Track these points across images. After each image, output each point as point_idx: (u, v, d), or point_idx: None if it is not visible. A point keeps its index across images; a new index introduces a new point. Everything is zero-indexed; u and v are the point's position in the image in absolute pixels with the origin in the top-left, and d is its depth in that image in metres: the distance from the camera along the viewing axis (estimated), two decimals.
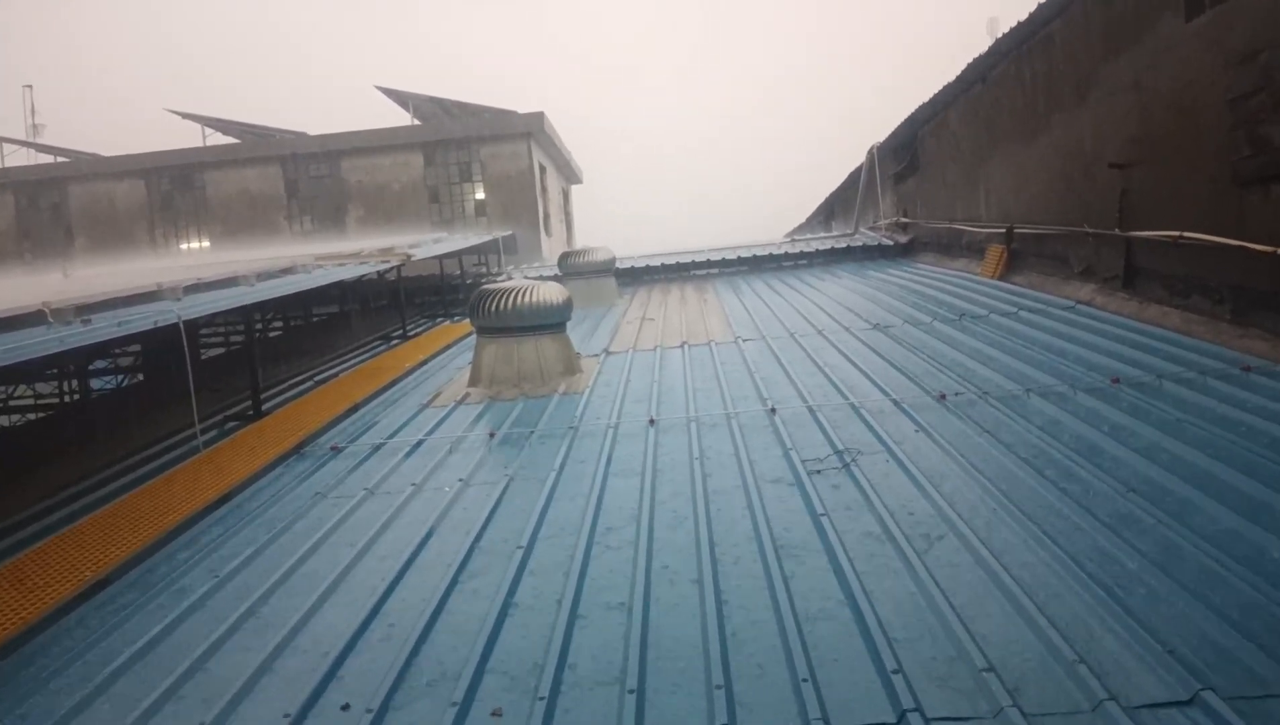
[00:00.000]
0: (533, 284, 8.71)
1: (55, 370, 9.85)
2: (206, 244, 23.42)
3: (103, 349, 9.22)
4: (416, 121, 24.55)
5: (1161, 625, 3.15)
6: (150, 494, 5.94)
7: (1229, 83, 7.02)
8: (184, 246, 23.65)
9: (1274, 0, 6.54)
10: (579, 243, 27.07)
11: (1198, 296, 7.79)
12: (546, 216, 24.05)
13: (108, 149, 25.74)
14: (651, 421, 6.67)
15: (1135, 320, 8.19)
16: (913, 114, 15.69)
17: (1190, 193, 7.76)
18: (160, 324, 6.39)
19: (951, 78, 13.26)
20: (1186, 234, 7.70)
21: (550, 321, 8.68)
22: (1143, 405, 5.72)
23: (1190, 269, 7.85)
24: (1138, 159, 8.60)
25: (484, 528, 4.84)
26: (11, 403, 10.82)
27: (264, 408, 8.44)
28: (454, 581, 4.16)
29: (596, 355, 9.62)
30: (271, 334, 13.16)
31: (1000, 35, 11.35)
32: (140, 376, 10.67)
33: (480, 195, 22.77)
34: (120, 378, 11.03)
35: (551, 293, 8.68)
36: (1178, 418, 5.36)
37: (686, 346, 9.61)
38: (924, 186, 16.32)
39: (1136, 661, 2.95)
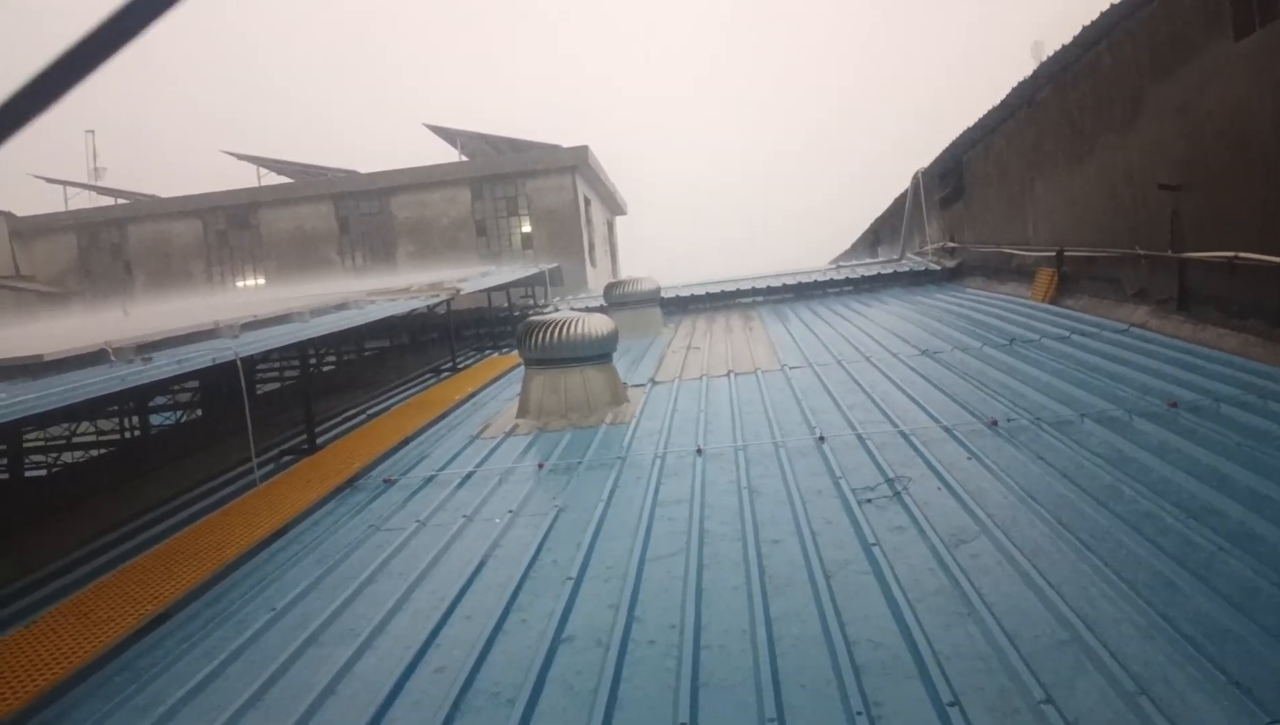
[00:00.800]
0: (579, 315, 8.79)
1: (116, 407, 10.12)
2: (261, 281, 23.96)
3: (162, 386, 9.46)
4: (464, 158, 24.97)
5: (1226, 657, 3.08)
6: (208, 528, 6.07)
7: (1279, 104, 6.91)
8: (239, 283, 24.22)
9: None
10: (624, 273, 27.24)
11: (1254, 318, 7.63)
12: (591, 248, 24.25)
13: (166, 190, 26.54)
14: (699, 451, 6.67)
15: (1191, 343, 8.04)
16: (958, 138, 15.61)
17: (1242, 214, 7.62)
18: (218, 361, 6.55)
19: (996, 102, 13.19)
20: (1241, 255, 7.56)
21: (596, 352, 8.74)
22: (1201, 429, 5.60)
23: (1246, 291, 7.69)
24: (1188, 181, 8.48)
25: (534, 559, 4.87)
26: (75, 439, 11.12)
27: (318, 441, 8.59)
28: (504, 615, 4.19)
29: (642, 385, 9.65)
30: (325, 368, 13.40)
31: (1045, 59, 11.28)
32: (199, 412, 10.91)
33: (526, 228, 23.05)
34: (179, 413, 11.30)
35: (597, 324, 8.75)
36: (1238, 442, 5.24)
37: (733, 375, 9.60)
38: (970, 210, 16.19)
39: (1202, 695, 2.88)
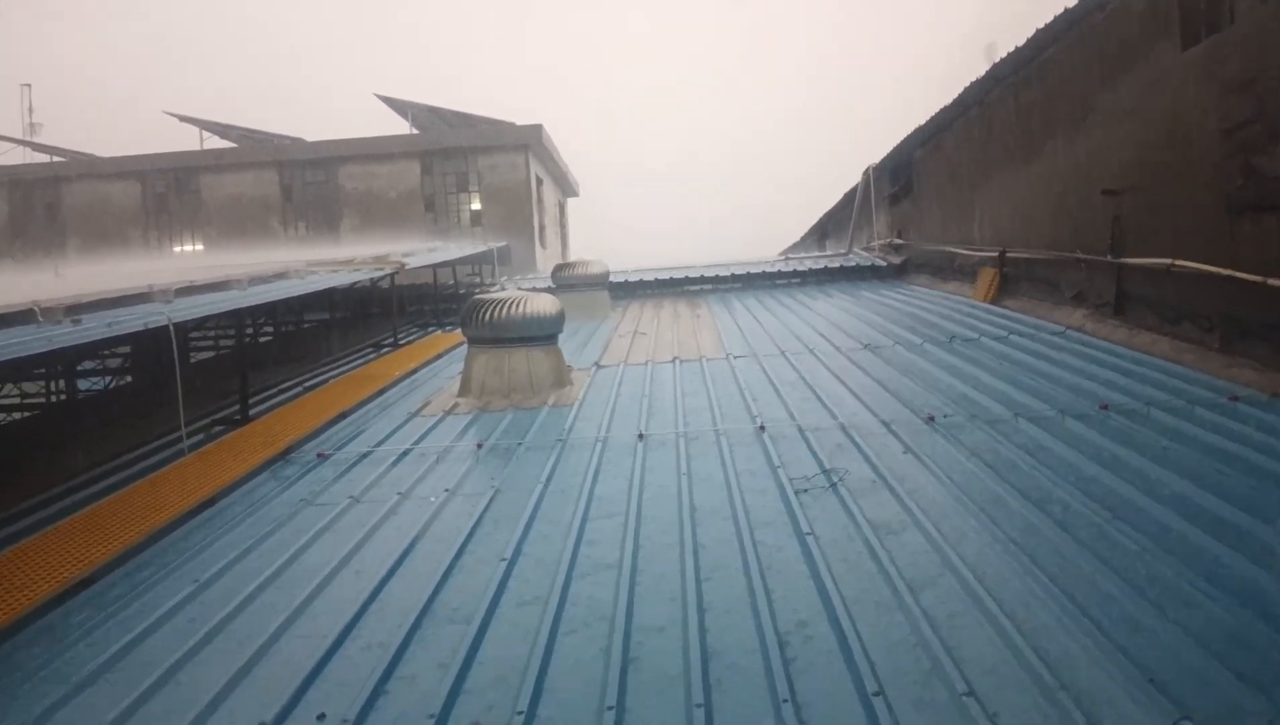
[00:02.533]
0: (526, 295, 8.71)
1: (43, 370, 9.80)
2: (200, 247, 23.39)
3: (92, 349, 9.19)
4: (415, 130, 24.61)
5: (1142, 653, 3.15)
6: (135, 496, 5.90)
7: (1224, 112, 7.08)
8: (177, 249, 23.61)
9: (1268, 31, 6.60)
10: (574, 255, 27.11)
11: (1188, 324, 7.83)
12: (542, 228, 24.08)
13: (104, 150, 25.77)
14: (640, 436, 6.66)
15: (1125, 347, 8.23)
16: (909, 136, 15.77)
17: (1182, 221, 7.81)
18: (150, 326, 6.38)
19: (949, 101, 13.33)
20: (1178, 262, 7.75)
21: (542, 333, 8.68)
22: (1130, 432, 5.74)
23: (1181, 297, 7.89)
24: (1131, 186, 8.66)
25: (468, 539, 4.82)
26: None
27: (251, 413, 8.41)
28: (435, 594, 4.14)
29: (587, 368, 9.61)
30: (262, 339, 13.12)
31: (997, 60, 11.42)
32: (128, 378, 10.62)
33: (476, 205, 22.80)
34: (108, 379, 10.98)
35: (544, 304, 8.68)
36: (1164, 445, 5.38)
37: (678, 362, 9.61)
38: (918, 208, 16.38)
39: (1118, 689, 2.94)
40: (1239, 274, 6.91)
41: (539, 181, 24.06)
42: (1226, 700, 2.86)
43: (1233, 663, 3.04)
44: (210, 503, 5.84)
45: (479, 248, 18.94)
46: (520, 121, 22.96)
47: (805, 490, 5.18)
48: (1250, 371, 6.80)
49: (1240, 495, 4.51)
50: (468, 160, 22.71)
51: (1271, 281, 6.55)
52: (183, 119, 25.68)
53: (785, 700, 3.03)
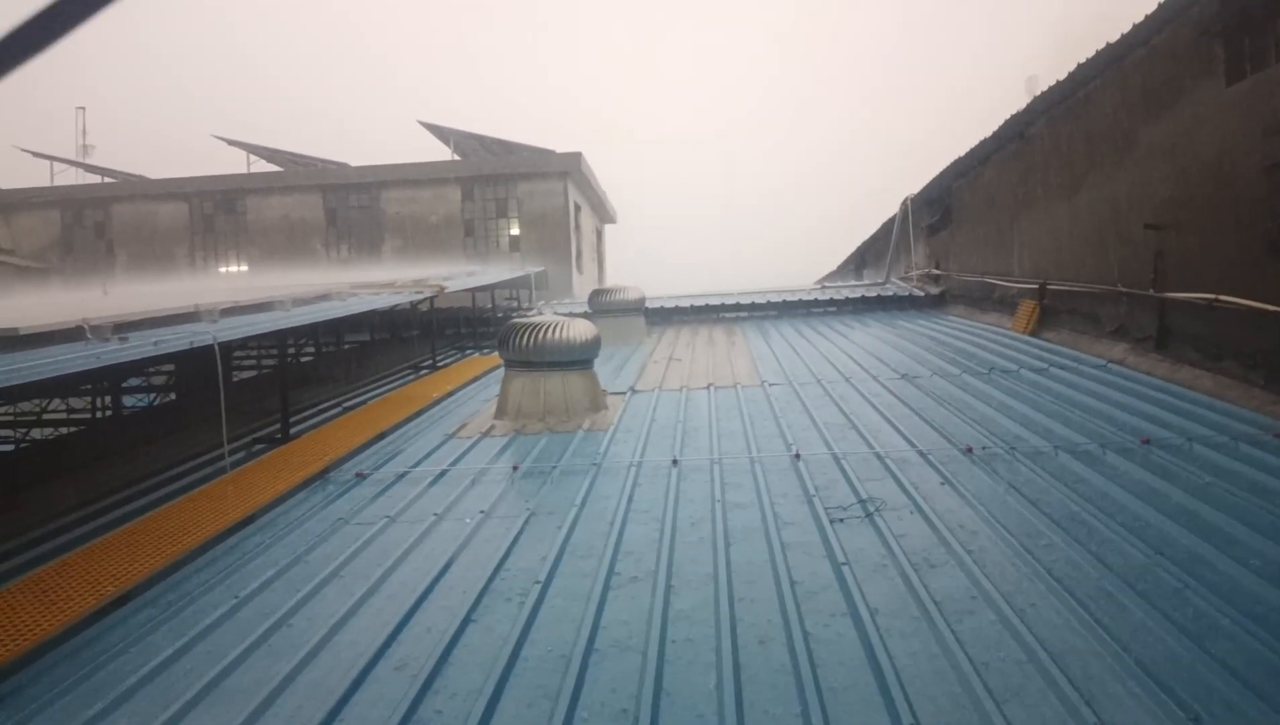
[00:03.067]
0: (562, 320, 8.77)
1: (89, 386, 10.01)
2: (244, 267, 23.80)
3: (138, 367, 9.38)
4: (456, 156, 24.92)
5: (1186, 692, 3.09)
6: (176, 512, 6.00)
7: (1267, 150, 7.00)
8: (222, 269, 24.05)
9: None
10: (610, 281, 27.23)
11: (1231, 360, 7.71)
12: (579, 254, 24.24)
13: (154, 171, 26.35)
14: (675, 462, 6.66)
15: (1167, 381, 8.11)
16: (948, 167, 15.72)
17: (1225, 257, 7.71)
18: (196, 345, 6.50)
19: (988, 133, 13.29)
20: (1222, 297, 7.65)
21: (578, 358, 8.73)
22: (1172, 467, 5.65)
23: (1224, 333, 7.77)
24: (1174, 222, 8.57)
25: (503, 561, 4.84)
26: (45, 416, 10.99)
27: (292, 432, 8.52)
28: (469, 615, 4.16)
29: (622, 393, 9.64)
30: (303, 359, 13.31)
31: (1039, 93, 11.38)
32: (172, 395, 10.81)
33: (515, 231, 23.01)
34: (153, 396, 11.19)
35: (581, 329, 8.74)
36: (1207, 481, 5.29)
37: (713, 388, 9.60)
38: (957, 239, 16.29)
39: None
40: None
41: (577, 208, 24.25)
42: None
43: (1274, 699, 2.98)
44: (250, 520, 5.92)
45: (517, 273, 19.11)
46: (560, 149, 23.20)
47: (841, 520, 5.15)
48: None
49: None
50: (508, 186, 22.96)
51: None
52: (230, 142, 26.23)
53: None
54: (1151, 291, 8.92)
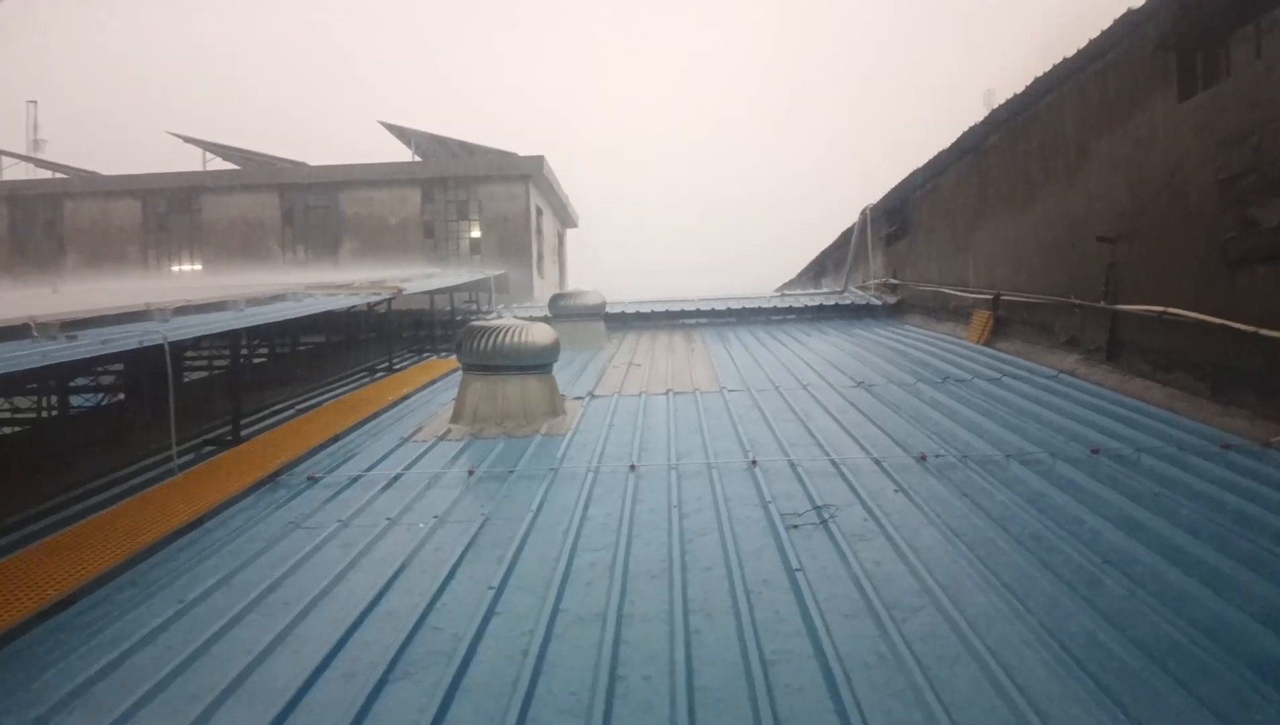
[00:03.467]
0: (522, 324, 8.73)
1: (35, 385, 9.78)
2: (199, 267, 23.43)
3: (86, 366, 9.18)
4: (417, 157, 24.75)
5: (1133, 702, 3.14)
6: (122, 515, 5.87)
7: (1220, 163, 7.15)
8: (176, 268, 23.65)
9: (1264, 85, 6.69)
10: (571, 285, 27.19)
11: (1180, 372, 7.86)
12: (540, 258, 24.17)
13: (107, 168, 25.86)
14: (632, 467, 6.65)
15: (1117, 392, 8.25)
16: (906, 178, 15.90)
17: (1177, 269, 7.86)
18: (145, 344, 6.37)
19: (947, 145, 13.46)
20: (1171, 310, 7.80)
21: (537, 362, 8.69)
22: (1121, 477, 5.74)
23: (1174, 345, 7.93)
24: (1126, 234, 8.73)
25: (456, 566, 4.80)
26: None
27: (243, 434, 8.38)
28: (421, 621, 4.11)
29: (581, 398, 9.61)
30: (256, 360, 13.12)
31: (996, 106, 11.54)
32: (121, 396, 10.60)
33: (476, 233, 22.89)
34: (101, 396, 10.96)
35: (540, 334, 8.70)
36: (1155, 492, 5.39)
37: (671, 394, 9.61)
38: (914, 249, 16.48)
39: None
40: (1232, 323, 6.95)
41: (539, 212, 24.19)
42: None
43: (1219, 708, 3.03)
44: (198, 523, 5.81)
45: (477, 275, 18.99)
46: (522, 152, 23.15)
47: (796, 526, 5.17)
48: (1242, 420, 6.82)
49: (1228, 543, 4.52)
50: (469, 189, 22.84)
51: (1265, 332, 6.59)
52: (186, 140, 25.85)
53: None
54: (1103, 303, 9.08)
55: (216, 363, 12.06)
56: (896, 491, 5.78)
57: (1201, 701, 3.09)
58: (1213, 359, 7.37)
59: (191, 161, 25.79)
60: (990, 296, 12.16)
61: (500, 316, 13.92)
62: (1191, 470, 5.80)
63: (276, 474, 6.90)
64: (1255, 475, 5.60)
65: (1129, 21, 8.26)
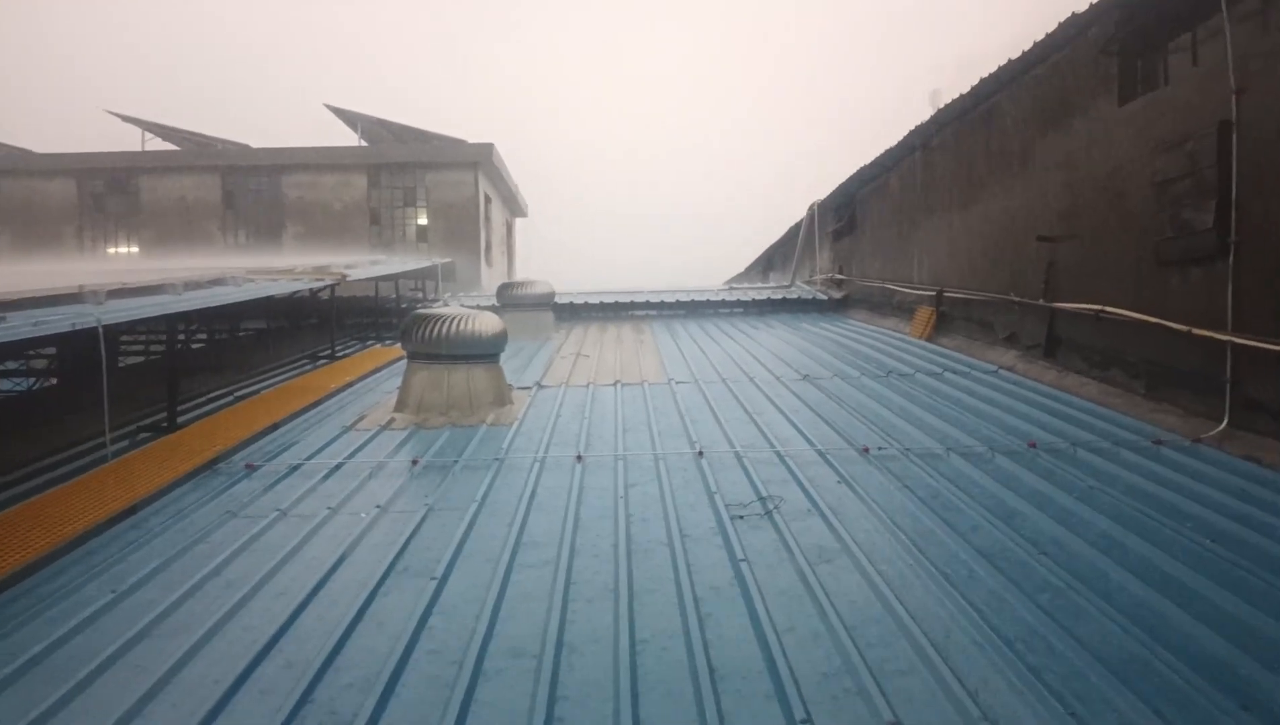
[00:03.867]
0: (469, 312, 8.65)
1: None
2: (136, 250, 22.82)
3: (16, 349, 8.90)
4: (363, 142, 24.38)
5: (1065, 688, 3.20)
6: (52, 502, 5.70)
7: (1156, 167, 7.33)
8: (112, 250, 23.01)
9: (1199, 93, 6.86)
10: (519, 275, 27.04)
11: (1115, 369, 8.05)
12: (488, 247, 23.98)
13: (40, 146, 25.08)
14: (579, 458, 6.63)
15: (1054, 388, 8.43)
16: (854, 175, 16.06)
17: (1113, 269, 8.04)
18: (78, 327, 6.18)
19: (893, 143, 13.62)
20: (1108, 308, 7.98)
21: (484, 351, 8.61)
22: (1057, 470, 5.87)
23: (1110, 342, 8.12)
24: (1066, 234, 8.91)
25: (398, 557, 4.74)
26: None
27: (180, 421, 8.19)
28: (361, 613, 4.05)
29: (528, 388, 9.56)
30: (194, 346, 12.82)
31: (942, 106, 11.70)
32: (53, 380, 10.30)
33: (423, 221, 22.62)
34: (32, 380, 10.63)
35: (487, 323, 8.62)
36: (1089, 485, 5.51)
37: (620, 385, 9.60)
38: (860, 245, 16.66)
39: (1037, 721, 2.99)
40: (1167, 322, 7.14)
41: (487, 200, 23.98)
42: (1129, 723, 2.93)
43: (1147, 697, 3.11)
44: (131, 511, 5.66)
45: (423, 263, 18.77)
46: (472, 140, 22.91)
47: (741, 517, 5.19)
48: (1174, 417, 7.01)
49: (1159, 534, 4.65)
50: (416, 175, 22.56)
51: (1197, 331, 6.77)
52: (125, 119, 25.14)
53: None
54: (1042, 301, 9.26)
55: (153, 348, 11.77)
56: (840, 483, 5.84)
57: (1132, 690, 3.16)
58: (1147, 357, 7.56)
59: (130, 141, 25.06)
60: (933, 293, 12.34)
61: (447, 305, 13.79)
62: (1125, 464, 5.95)
63: (214, 462, 6.75)
64: (1186, 470, 5.77)
65: (1074, 25, 8.42)
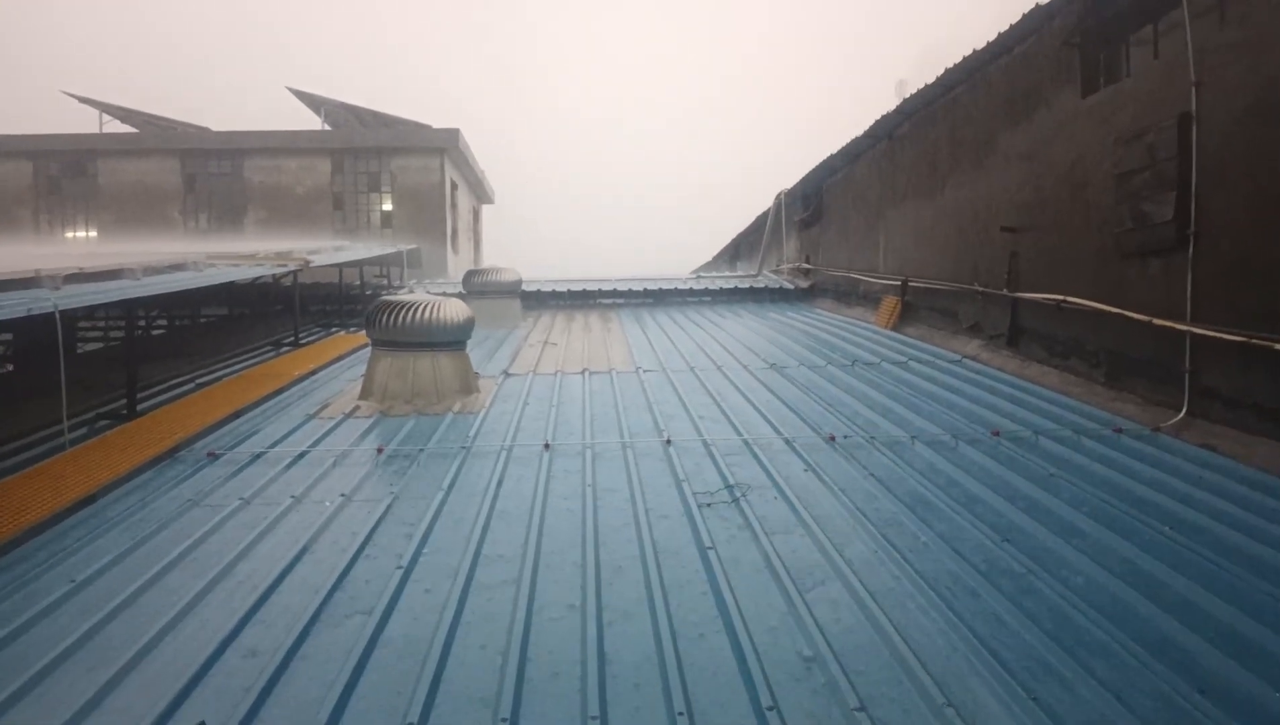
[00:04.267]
0: (435, 300, 8.58)
1: None
2: (94, 234, 22.39)
3: None
4: (327, 126, 24.08)
5: (1024, 669, 3.25)
6: (7, 490, 5.59)
7: (1116, 159, 7.42)
8: (70, 234, 22.56)
9: (1159, 86, 6.95)
10: (487, 262, 26.87)
11: (1076, 359, 8.16)
12: (455, 233, 23.80)
13: None
14: (546, 446, 6.61)
15: (1017, 377, 8.53)
16: (820, 163, 16.12)
17: (1075, 260, 8.15)
18: (34, 312, 6.05)
19: (860, 132, 13.68)
20: (1070, 298, 8.08)
21: (450, 339, 8.55)
22: (1019, 458, 5.95)
23: (1071, 332, 8.23)
24: (1029, 225, 9.00)
25: (362, 547, 4.70)
26: None
27: (140, 408, 8.06)
28: (325, 602, 4.01)
29: (495, 376, 9.51)
30: (154, 332, 12.63)
31: (907, 96, 11.77)
32: (9, 367, 10.10)
33: (388, 206, 22.41)
34: None
35: (453, 310, 8.56)
36: (1051, 472, 5.59)
37: (587, 373, 9.59)
38: (827, 235, 16.73)
39: (1003, 709, 3.03)
40: (1126, 312, 7.24)
41: (454, 186, 23.80)
42: (1101, 717, 2.97)
43: (1109, 683, 3.16)
44: (90, 500, 5.57)
45: (388, 249, 18.60)
46: (438, 125, 22.71)
47: (709, 504, 5.21)
48: (1133, 406, 7.12)
49: (1118, 521, 4.73)
50: (381, 160, 22.32)
51: (1156, 321, 6.88)
52: (81, 100, 24.61)
53: (681, 713, 3.03)
54: (1005, 291, 9.36)
55: (112, 334, 11.58)
56: (806, 471, 5.88)
57: (1091, 673, 3.22)
58: (1108, 346, 7.67)
59: (88, 123, 24.55)
60: (899, 282, 12.43)
61: (412, 292, 13.67)
62: (1086, 453, 6.04)
63: (174, 449, 6.66)
64: (1145, 458, 5.87)
65: (1037, 16, 8.49)
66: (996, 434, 6.51)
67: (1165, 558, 4.24)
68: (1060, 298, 8.23)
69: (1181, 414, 6.59)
